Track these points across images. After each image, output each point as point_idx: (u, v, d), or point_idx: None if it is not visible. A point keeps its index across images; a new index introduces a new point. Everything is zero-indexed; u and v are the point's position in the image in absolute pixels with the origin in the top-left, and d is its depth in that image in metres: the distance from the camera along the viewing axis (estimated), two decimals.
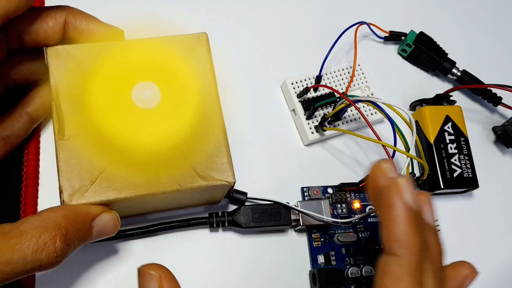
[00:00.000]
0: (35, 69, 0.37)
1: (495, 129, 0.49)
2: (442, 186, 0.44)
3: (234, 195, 0.40)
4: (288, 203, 0.40)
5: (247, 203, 0.41)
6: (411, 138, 0.38)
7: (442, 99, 0.47)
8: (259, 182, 0.42)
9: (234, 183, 0.34)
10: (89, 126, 0.32)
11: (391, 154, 0.38)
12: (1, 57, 0.33)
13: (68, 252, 0.29)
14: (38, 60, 0.36)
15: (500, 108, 0.49)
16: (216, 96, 0.35)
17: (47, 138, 0.40)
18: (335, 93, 0.43)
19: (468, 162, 0.45)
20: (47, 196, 0.38)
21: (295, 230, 0.41)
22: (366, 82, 0.46)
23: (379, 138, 0.38)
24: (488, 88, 0.48)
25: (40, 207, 0.38)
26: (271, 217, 0.39)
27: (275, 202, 0.40)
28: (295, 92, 0.45)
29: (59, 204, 0.31)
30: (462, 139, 0.45)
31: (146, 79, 0.33)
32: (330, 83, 0.46)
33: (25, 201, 0.37)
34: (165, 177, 0.32)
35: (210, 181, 0.33)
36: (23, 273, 0.27)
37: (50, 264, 0.28)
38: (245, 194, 0.40)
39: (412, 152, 0.37)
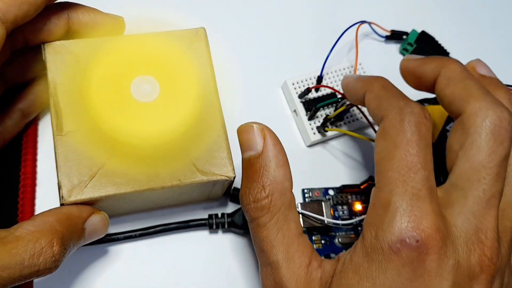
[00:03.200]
0: (33, 67, 0.37)
1: None
2: None
3: (234, 193, 0.40)
4: None
5: None
6: None
7: None
8: None
9: (234, 177, 0.34)
10: (88, 121, 0.32)
11: None
12: (4, 59, 0.34)
13: (65, 255, 0.29)
14: (36, 58, 0.36)
15: None
16: (215, 91, 0.36)
17: (45, 139, 0.40)
18: (337, 93, 0.43)
19: None
20: (45, 197, 0.39)
21: None
22: None
23: None
24: None
25: (38, 207, 0.38)
26: None
27: None
28: (296, 93, 0.45)
29: (58, 201, 0.31)
30: None
31: (144, 73, 0.33)
32: (331, 82, 0.46)
33: (23, 202, 0.38)
34: (164, 172, 0.33)
35: (210, 176, 0.33)
36: (21, 279, 0.27)
37: (48, 269, 0.28)
38: None
39: None
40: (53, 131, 0.32)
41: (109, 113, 0.32)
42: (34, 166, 0.39)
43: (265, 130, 0.31)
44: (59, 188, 0.31)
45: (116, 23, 0.36)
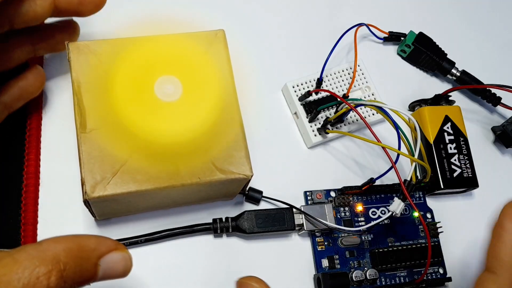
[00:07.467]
0: (18, 54, 0.37)
1: (494, 129, 0.51)
2: (442, 186, 0.45)
3: (250, 193, 0.42)
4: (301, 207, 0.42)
5: (251, 207, 0.42)
6: (412, 139, 0.39)
7: (441, 99, 0.49)
8: (262, 186, 0.43)
9: (252, 176, 0.36)
10: (111, 119, 0.34)
11: (393, 158, 0.40)
12: None
13: None
14: (20, 44, 0.37)
15: (499, 108, 0.51)
16: (233, 91, 0.38)
17: (48, 139, 0.41)
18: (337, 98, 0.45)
19: (467, 162, 0.47)
20: (48, 196, 0.40)
21: (299, 234, 0.43)
22: (367, 82, 0.49)
23: (379, 141, 0.40)
24: (488, 88, 0.50)
25: (40, 207, 0.39)
26: (275, 222, 0.41)
27: (290, 206, 0.42)
28: (297, 95, 0.47)
29: (82, 194, 0.32)
30: (462, 139, 0.47)
31: (167, 73, 0.35)
32: (331, 84, 0.48)
33: (25, 201, 0.38)
34: (184, 170, 0.34)
35: (228, 174, 0.35)
36: None
37: None
38: (261, 192, 0.42)
39: (415, 155, 0.39)
40: (76, 129, 0.34)
41: (133, 111, 0.34)
42: (37, 166, 0.40)
43: None
44: (82, 184, 0.32)
45: None
